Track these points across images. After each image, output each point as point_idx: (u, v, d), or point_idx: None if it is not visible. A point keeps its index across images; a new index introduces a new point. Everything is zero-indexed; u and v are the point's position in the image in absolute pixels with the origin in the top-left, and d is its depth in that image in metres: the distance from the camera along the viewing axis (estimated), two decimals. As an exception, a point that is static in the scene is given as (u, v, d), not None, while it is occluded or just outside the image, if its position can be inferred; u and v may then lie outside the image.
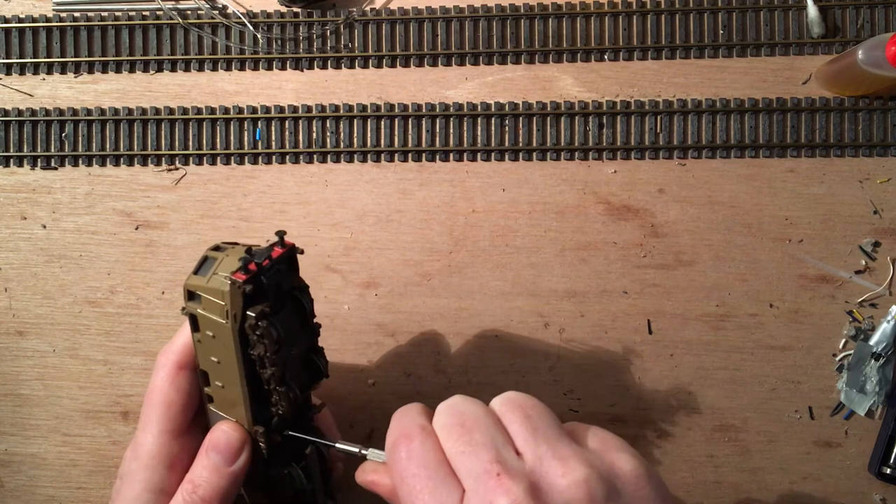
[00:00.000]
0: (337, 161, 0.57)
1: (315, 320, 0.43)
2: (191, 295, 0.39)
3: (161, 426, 0.41)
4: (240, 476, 0.40)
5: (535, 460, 0.32)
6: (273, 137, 0.58)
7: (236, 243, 0.41)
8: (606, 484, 0.32)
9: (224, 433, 0.40)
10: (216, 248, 0.40)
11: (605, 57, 0.57)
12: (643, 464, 0.34)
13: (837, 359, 0.56)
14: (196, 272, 0.39)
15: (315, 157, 0.57)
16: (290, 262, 0.41)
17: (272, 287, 0.39)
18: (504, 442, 0.33)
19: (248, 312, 0.38)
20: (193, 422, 0.42)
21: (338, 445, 0.42)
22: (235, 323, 0.38)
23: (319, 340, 0.44)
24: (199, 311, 0.39)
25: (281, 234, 0.40)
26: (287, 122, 0.57)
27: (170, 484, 0.40)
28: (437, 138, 0.57)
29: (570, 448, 0.33)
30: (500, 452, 0.32)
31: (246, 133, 0.58)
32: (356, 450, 0.41)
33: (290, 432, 0.42)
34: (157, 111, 0.58)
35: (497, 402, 0.36)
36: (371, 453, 0.40)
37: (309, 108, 0.58)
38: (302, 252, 0.41)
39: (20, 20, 0.58)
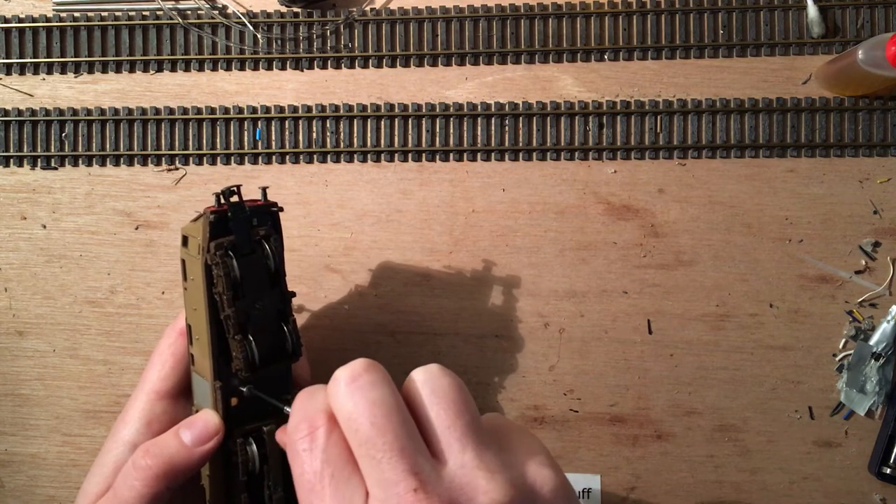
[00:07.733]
0: (337, 161, 0.57)
1: (299, 308, 0.42)
2: (184, 241, 0.40)
3: (150, 386, 0.43)
4: (199, 460, 0.39)
5: (458, 469, 0.29)
6: (273, 137, 0.58)
7: None
8: None
9: (202, 417, 0.40)
10: None
11: (605, 57, 0.57)
12: (564, 482, 0.31)
13: (837, 359, 0.56)
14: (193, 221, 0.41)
15: (315, 157, 0.57)
16: (273, 220, 0.42)
17: (240, 228, 0.40)
18: (420, 445, 0.29)
19: (210, 244, 0.38)
20: (182, 394, 0.43)
21: (286, 409, 0.40)
22: (203, 255, 0.39)
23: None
24: (186, 254, 0.40)
25: (263, 188, 0.42)
26: (287, 122, 0.57)
27: (143, 441, 0.40)
28: (437, 138, 0.57)
29: (496, 459, 0.30)
30: (417, 460, 0.29)
31: (246, 133, 0.58)
32: None
33: (253, 392, 0.41)
34: (157, 111, 0.58)
35: (425, 388, 0.31)
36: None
37: (309, 108, 0.58)
38: (282, 210, 0.43)
39: (20, 20, 0.58)
